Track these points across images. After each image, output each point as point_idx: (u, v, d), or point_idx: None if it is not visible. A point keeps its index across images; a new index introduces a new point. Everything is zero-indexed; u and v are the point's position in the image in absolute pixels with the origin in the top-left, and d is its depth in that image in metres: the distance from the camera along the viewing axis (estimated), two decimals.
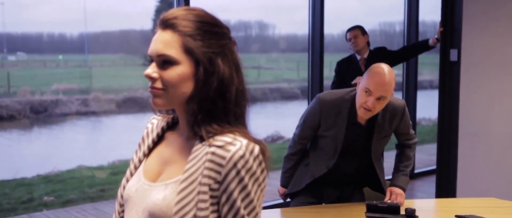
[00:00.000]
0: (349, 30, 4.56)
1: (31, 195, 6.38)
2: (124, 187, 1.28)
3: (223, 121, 1.15)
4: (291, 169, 2.73)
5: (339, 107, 2.45)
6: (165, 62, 1.14)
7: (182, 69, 1.13)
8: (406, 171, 2.64)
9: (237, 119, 1.16)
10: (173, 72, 1.13)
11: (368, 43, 4.58)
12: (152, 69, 1.15)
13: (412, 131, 2.65)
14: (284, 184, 2.75)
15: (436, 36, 4.58)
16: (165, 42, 1.14)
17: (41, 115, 13.53)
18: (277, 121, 14.25)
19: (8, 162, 8.83)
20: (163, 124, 1.30)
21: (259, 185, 1.13)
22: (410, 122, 2.62)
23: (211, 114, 1.14)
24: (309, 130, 2.56)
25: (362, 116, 2.38)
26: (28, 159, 9.28)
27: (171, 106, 1.18)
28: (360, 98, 2.34)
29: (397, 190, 2.56)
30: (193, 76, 1.14)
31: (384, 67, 2.34)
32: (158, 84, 1.15)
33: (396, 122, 2.51)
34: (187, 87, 1.14)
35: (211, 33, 1.15)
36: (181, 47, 1.13)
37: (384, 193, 2.63)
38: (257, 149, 1.12)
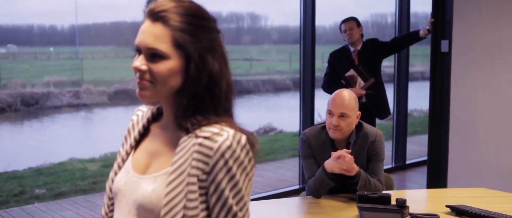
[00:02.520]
0: (344, 21, 4.55)
1: (22, 188, 6.35)
2: (112, 180, 1.28)
3: (211, 113, 1.15)
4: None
5: (320, 137, 2.67)
6: (154, 55, 1.13)
7: (172, 64, 1.13)
8: (367, 176, 2.55)
9: (226, 112, 1.17)
10: (162, 67, 1.13)
11: (361, 35, 4.59)
12: (140, 62, 1.14)
13: (380, 170, 2.62)
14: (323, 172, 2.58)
15: (427, 27, 4.60)
16: (155, 36, 1.13)
17: (32, 107, 13.46)
18: (270, 112, 14.26)
19: None
20: (148, 115, 1.30)
21: (247, 175, 1.13)
22: (381, 158, 2.63)
23: (199, 108, 1.15)
24: (312, 164, 2.67)
25: (332, 136, 2.60)
26: (20, 152, 9.24)
27: (158, 99, 1.18)
28: (327, 122, 2.62)
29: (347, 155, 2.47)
30: (182, 71, 1.14)
31: (344, 90, 2.65)
32: (147, 77, 1.14)
33: (369, 145, 2.62)
34: (176, 82, 1.14)
35: (201, 28, 1.15)
36: (171, 42, 1.13)
37: None
38: (244, 138, 1.12)
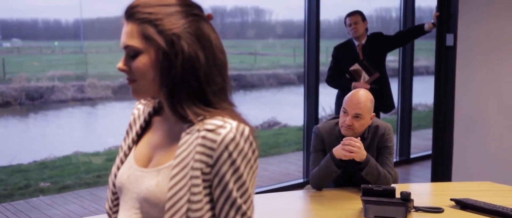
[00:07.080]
0: (349, 15, 4.53)
1: (27, 181, 6.37)
2: (115, 175, 1.27)
3: (205, 101, 1.14)
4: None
5: (333, 133, 2.69)
6: (131, 52, 1.15)
7: (146, 57, 1.14)
8: (377, 165, 2.57)
9: (216, 96, 1.15)
10: (138, 62, 1.14)
11: (366, 29, 4.57)
12: (121, 63, 1.17)
13: (390, 163, 2.64)
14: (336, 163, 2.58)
15: (432, 21, 4.58)
16: (127, 33, 1.15)
17: (37, 101, 13.49)
18: (274, 106, 14.25)
19: (4, 149, 8.80)
20: (149, 109, 1.30)
21: (251, 167, 1.13)
22: (391, 151, 2.66)
23: (188, 96, 1.13)
24: (320, 157, 2.67)
25: (344, 133, 2.60)
26: (24, 145, 9.25)
27: (149, 95, 1.19)
28: (341, 120, 2.63)
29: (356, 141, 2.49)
30: (157, 62, 1.14)
31: (360, 90, 2.66)
32: (130, 76, 1.17)
33: (379, 138, 2.64)
34: (154, 74, 1.14)
35: (171, 15, 1.13)
36: (140, 35, 1.14)
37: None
38: (247, 130, 1.12)
